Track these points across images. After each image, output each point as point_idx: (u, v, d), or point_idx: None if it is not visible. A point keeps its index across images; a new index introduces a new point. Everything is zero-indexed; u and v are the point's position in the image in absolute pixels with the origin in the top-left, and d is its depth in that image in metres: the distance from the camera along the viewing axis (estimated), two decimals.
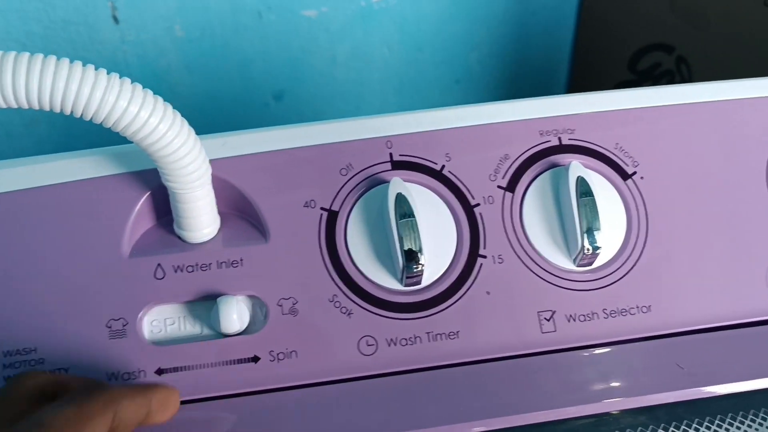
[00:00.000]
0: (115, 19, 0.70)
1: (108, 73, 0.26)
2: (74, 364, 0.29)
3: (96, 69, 0.26)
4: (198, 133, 0.30)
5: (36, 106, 0.26)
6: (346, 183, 0.32)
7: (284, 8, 0.74)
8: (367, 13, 0.76)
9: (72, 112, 0.26)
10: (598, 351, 0.32)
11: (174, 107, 0.28)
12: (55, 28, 0.69)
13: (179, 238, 0.32)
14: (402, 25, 0.78)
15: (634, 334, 0.32)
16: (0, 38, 0.66)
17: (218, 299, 0.30)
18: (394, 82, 0.83)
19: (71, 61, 0.26)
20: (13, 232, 0.31)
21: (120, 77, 0.27)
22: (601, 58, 0.74)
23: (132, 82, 0.27)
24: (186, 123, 0.28)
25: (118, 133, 0.27)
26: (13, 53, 0.25)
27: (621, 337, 0.32)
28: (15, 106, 0.25)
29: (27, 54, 0.25)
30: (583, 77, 0.78)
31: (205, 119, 0.76)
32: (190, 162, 0.29)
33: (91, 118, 0.26)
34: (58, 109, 0.26)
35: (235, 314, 0.30)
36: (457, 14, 0.79)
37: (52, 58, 0.25)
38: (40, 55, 0.25)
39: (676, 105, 0.35)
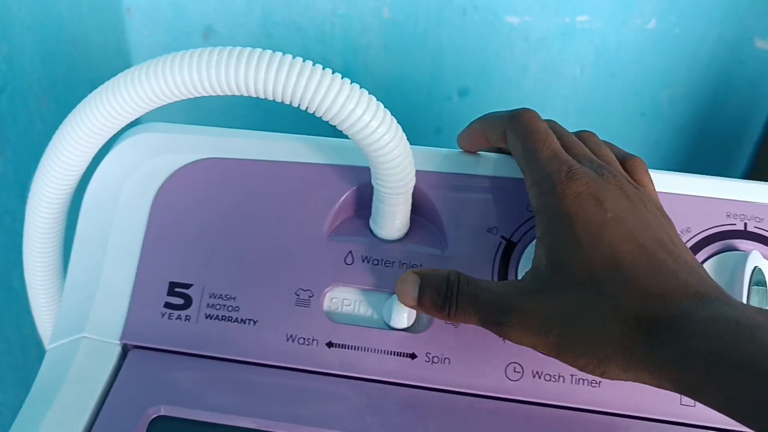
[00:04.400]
0: None
1: (351, 84, 0.30)
2: (262, 317, 0.34)
3: (342, 79, 0.30)
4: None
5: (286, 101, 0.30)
6: (529, 219, 0.35)
7: (489, 10, 0.76)
8: (569, 30, 0.76)
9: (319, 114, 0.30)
10: None
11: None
12: None
13: (371, 231, 0.35)
14: (600, 49, 0.77)
15: None
16: None
17: (394, 295, 0.34)
18: (578, 102, 0.82)
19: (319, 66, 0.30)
20: (239, 192, 0.36)
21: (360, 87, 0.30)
22: None
23: (369, 94, 0.30)
24: (405, 139, 0.32)
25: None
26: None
27: None
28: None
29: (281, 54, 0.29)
30: None
31: (391, 99, 0.79)
32: (400, 172, 0.32)
33: (339, 125, 0.30)
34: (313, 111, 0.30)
35: (406, 313, 0.33)
36: (659, 48, 0.77)
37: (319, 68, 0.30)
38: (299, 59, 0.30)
39: None
